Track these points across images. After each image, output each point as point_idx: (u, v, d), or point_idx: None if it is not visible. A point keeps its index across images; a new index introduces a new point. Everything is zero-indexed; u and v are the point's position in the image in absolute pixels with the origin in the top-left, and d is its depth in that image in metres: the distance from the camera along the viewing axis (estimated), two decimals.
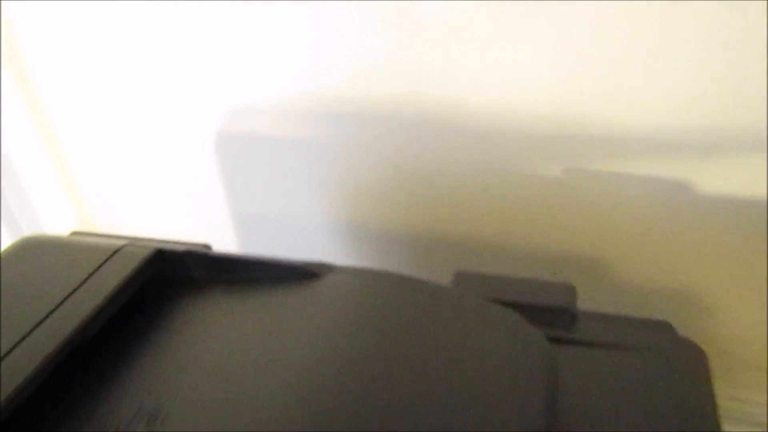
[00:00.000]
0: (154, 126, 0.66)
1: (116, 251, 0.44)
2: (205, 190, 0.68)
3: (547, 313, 0.43)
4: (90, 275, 0.42)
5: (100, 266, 0.43)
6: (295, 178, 0.64)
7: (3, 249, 0.46)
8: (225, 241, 0.72)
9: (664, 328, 0.44)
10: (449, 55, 0.52)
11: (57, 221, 0.76)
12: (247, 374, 0.37)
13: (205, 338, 0.40)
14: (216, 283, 0.44)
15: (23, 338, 0.37)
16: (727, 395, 0.45)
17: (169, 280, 0.45)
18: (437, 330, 0.38)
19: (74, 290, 0.41)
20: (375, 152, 0.60)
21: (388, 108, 0.56)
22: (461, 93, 0.54)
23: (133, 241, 0.47)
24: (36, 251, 0.46)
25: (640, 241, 0.57)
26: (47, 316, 0.39)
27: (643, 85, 0.49)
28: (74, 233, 0.53)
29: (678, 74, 0.48)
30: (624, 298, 0.60)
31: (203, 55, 0.60)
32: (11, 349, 0.36)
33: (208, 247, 0.50)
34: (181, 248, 0.45)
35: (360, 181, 0.62)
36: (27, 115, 0.70)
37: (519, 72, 0.51)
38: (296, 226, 0.67)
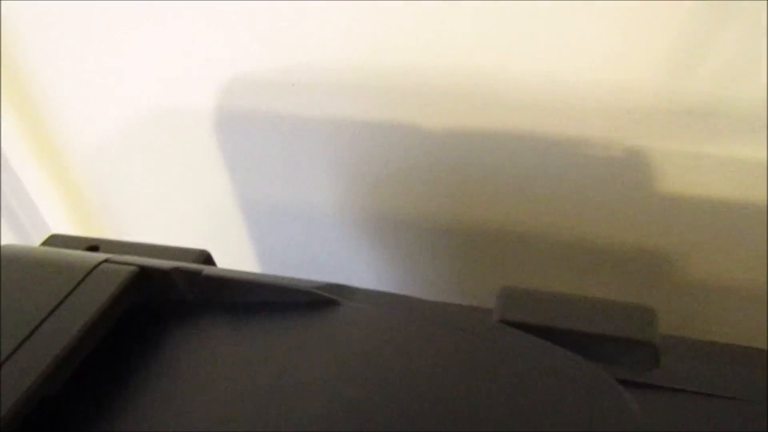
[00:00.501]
0: (153, 110, 0.58)
1: (92, 270, 0.37)
2: (208, 174, 0.60)
3: (621, 347, 0.34)
4: (60, 303, 0.35)
5: (73, 290, 0.36)
6: (307, 161, 0.55)
7: None
8: (232, 233, 0.64)
9: (758, 357, 0.35)
10: (485, 21, 0.42)
11: (53, 215, 0.69)
12: (244, 423, 0.30)
13: (197, 376, 0.33)
14: (212, 306, 0.37)
15: None
16: None
17: (157, 303, 0.37)
18: (474, 379, 0.30)
19: (40, 324, 0.34)
20: (398, 132, 0.50)
21: (412, 81, 0.47)
22: (499, 64, 0.44)
23: (115, 252, 0.39)
24: (4, 267, 0.39)
25: (710, 232, 0.48)
26: (12, 354, 0.32)
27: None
28: (53, 236, 0.46)
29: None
30: (690, 297, 0.51)
31: (203, 21, 0.50)
32: None
33: (207, 255, 0.42)
34: (168, 265, 0.37)
35: (380, 164, 0.53)
36: (20, 105, 0.62)
37: (568, 41, 0.41)
38: (309, 216, 0.59)
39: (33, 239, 0.73)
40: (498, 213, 0.53)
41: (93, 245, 0.44)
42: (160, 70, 0.55)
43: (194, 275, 0.37)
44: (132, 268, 0.37)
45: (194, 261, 0.41)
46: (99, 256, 0.38)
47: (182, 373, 0.34)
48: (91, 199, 0.69)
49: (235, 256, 0.67)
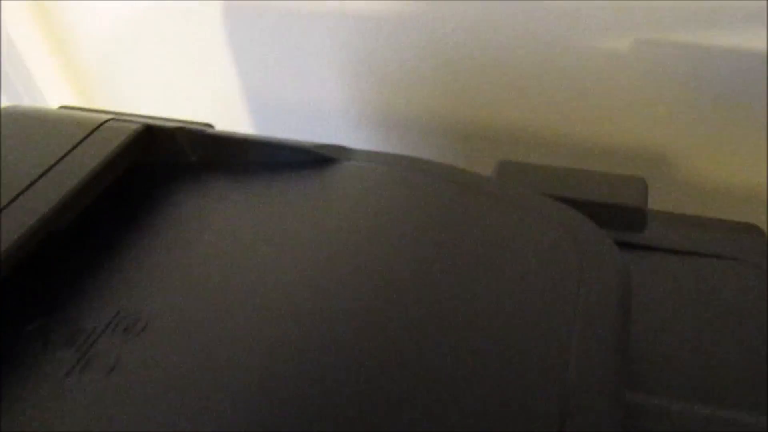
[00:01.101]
0: None
1: (99, 126, 0.37)
2: (215, 63, 0.60)
3: (613, 212, 0.35)
4: (66, 153, 0.36)
5: (78, 143, 0.36)
6: (315, 55, 0.55)
7: None
8: (237, 125, 0.64)
9: (752, 232, 0.37)
10: None
11: (56, 97, 0.69)
12: (246, 277, 0.31)
13: (200, 232, 0.34)
14: (215, 167, 0.38)
15: None
16: None
17: (160, 162, 0.38)
18: (478, 229, 0.31)
19: (47, 170, 0.34)
20: (408, 24, 0.50)
21: None
22: None
23: (121, 117, 0.40)
24: (7, 124, 0.39)
25: (718, 133, 0.48)
26: (14, 199, 0.33)
27: None
28: (63, 107, 0.46)
29: None
30: (697, 200, 0.51)
31: None
32: None
33: (209, 126, 0.43)
34: (173, 125, 0.37)
35: (391, 59, 0.53)
36: None
37: None
38: (317, 113, 0.59)
39: None
40: (503, 112, 0.54)
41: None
42: None
43: (198, 135, 0.37)
44: (137, 126, 0.37)
45: None
46: (105, 115, 0.38)
47: (182, 229, 0.34)
48: (95, 82, 0.69)
49: None
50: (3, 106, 0.42)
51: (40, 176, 0.34)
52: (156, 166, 0.38)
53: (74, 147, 0.36)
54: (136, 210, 0.35)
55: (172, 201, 0.36)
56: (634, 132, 0.50)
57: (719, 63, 0.45)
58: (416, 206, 0.33)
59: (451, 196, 0.33)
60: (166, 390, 0.26)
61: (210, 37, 0.58)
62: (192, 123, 0.42)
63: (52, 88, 0.68)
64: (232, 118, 0.63)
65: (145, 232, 0.34)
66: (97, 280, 0.31)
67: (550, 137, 0.53)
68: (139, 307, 0.29)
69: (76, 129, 0.37)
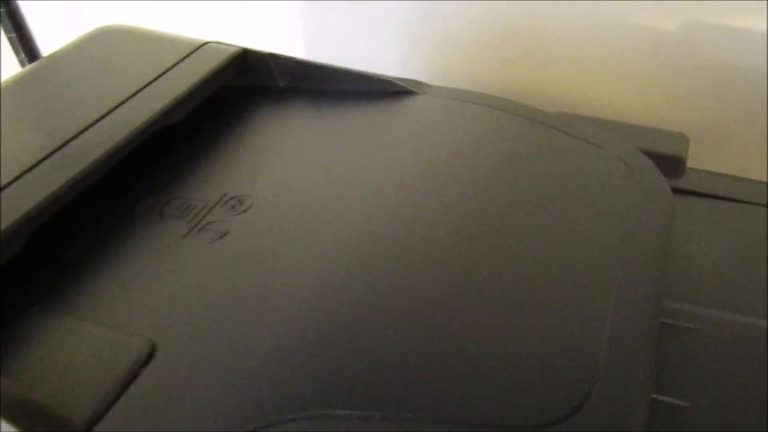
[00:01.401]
0: None
1: (200, 46, 0.42)
2: (283, 29, 0.64)
3: (658, 160, 0.39)
4: (173, 65, 0.40)
5: (183, 59, 0.41)
6: (380, 19, 0.60)
7: (82, 35, 0.44)
8: None
9: None
10: None
11: None
12: (332, 182, 0.35)
13: (290, 143, 0.38)
14: (302, 92, 0.42)
15: (106, 114, 0.35)
16: None
17: (253, 84, 0.42)
18: (550, 164, 0.35)
19: (157, 77, 0.39)
20: None
21: None
22: None
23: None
24: (113, 40, 0.44)
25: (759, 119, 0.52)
26: (131, 97, 0.37)
27: None
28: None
29: None
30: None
31: None
32: (93, 123, 0.35)
33: None
34: (266, 51, 0.42)
35: (449, 28, 0.57)
36: None
37: None
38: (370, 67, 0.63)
39: None
40: (553, 82, 0.57)
41: None
42: None
43: (289, 61, 0.41)
44: (235, 48, 0.42)
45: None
46: (205, 39, 0.43)
47: (272, 139, 0.39)
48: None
49: None
50: (106, 24, 0.46)
51: (152, 81, 0.38)
52: (248, 86, 0.42)
53: (181, 60, 0.40)
54: (232, 121, 0.40)
55: (262, 117, 0.40)
56: (677, 111, 0.54)
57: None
58: (487, 138, 0.37)
59: (521, 129, 0.37)
60: (270, 255, 0.30)
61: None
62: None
63: None
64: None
65: (240, 136, 0.38)
66: (202, 168, 0.35)
67: (591, 104, 0.57)
68: (242, 192, 0.33)
69: (181, 46, 0.42)
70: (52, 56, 0.42)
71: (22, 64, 0.70)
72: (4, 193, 0.30)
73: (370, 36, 0.62)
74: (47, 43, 0.70)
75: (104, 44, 0.43)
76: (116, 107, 0.36)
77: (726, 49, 0.49)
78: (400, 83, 0.40)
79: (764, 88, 0.50)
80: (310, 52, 0.66)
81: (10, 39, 0.68)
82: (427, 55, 0.60)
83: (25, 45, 0.69)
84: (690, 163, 0.41)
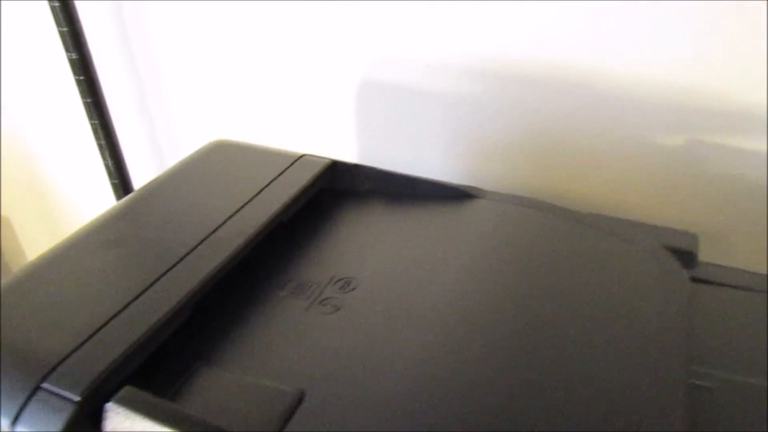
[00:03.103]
0: (303, 67, 0.74)
1: (297, 159, 0.52)
2: (338, 132, 0.75)
3: (674, 254, 0.48)
4: (277, 177, 0.50)
5: (284, 170, 0.50)
6: (426, 129, 0.70)
7: (196, 150, 0.54)
8: None
9: None
10: (589, 21, 0.58)
11: None
12: (415, 269, 0.43)
13: (376, 237, 0.47)
14: (380, 196, 0.51)
15: (233, 215, 0.45)
16: None
17: (340, 189, 0.52)
18: (590, 257, 0.44)
19: (265, 187, 0.48)
20: (506, 111, 0.65)
21: (526, 69, 0.62)
22: (594, 59, 0.59)
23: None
24: (226, 153, 0.54)
25: (757, 222, 0.61)
26: (246, 204, 0.46)
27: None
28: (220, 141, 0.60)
29: None
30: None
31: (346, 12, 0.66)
32: (223, 223, 0.44)
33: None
34: (353, 162, 0.51)
35: (488, 138, 0.68)
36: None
37: (656, 44, 0.56)
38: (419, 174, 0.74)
39: None
40: (575, 187, 0.67)
41: None
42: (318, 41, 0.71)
43: (370, 170, 0.51)
44: (326, 160, 0.51)
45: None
46: (298, 152, 0.53)
47: (358, 239, 0.47)
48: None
49: None
50: (216, 138, 0.57)
51: (264, 188, 0.48)
52: (338, 191, 0.52)
53: (281, 173, 0.50)
54: (326, 220, 0.49)
55: (350, 216, 0.49)
56: (685, 216, 0.64)
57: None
58: (537, 236, 0.46)
59: (565, 229, 0.46)
60: (378, 325, 0.38)
61: (343, 106, 0.73)
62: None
63: None
64: None
65: (335, 231, 0.47)
66: (311, 256, 0.44)
67: (612, 209, 0.66)
68: (348, 274, 0.42)
69: (281, 160, 0.51)
70: (172, 170, 0.52)
71: (71, 60, 0.75)
72: (165, 279, 0.38)
73: (420, 142, 0.72)
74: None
75: (217, 158, 0.53)
76: (240, 210, 0.45)
77: (727, 164, 0.59)
78: (462, 188, 0.49)
79: (763, 197, 0.60)
80: (369, 155, 0.76)
81: (61, 33, 0.74)
82: (465, 161, 0.71)
83: (75, 41, 0.74)
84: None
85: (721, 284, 0.47)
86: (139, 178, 0.92)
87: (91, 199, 1.04)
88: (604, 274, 0.42)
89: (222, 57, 0.78)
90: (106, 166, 0.82)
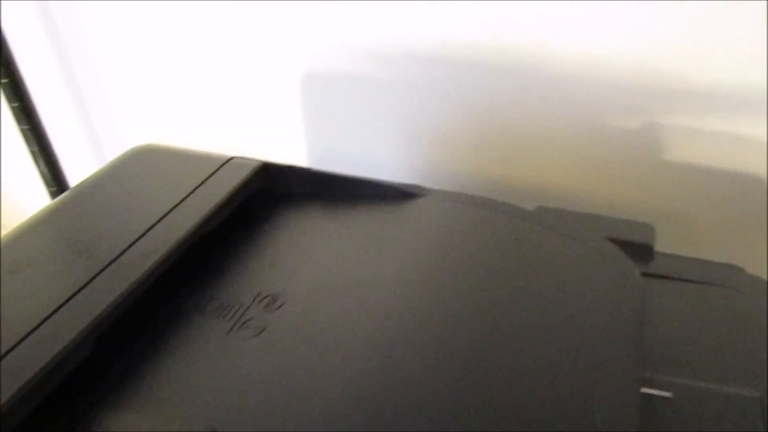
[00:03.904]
0: (242, 62, 0.69)
1: (225, 162, 0.48)
2: (287, 126, 0.71)
3: (628, 248, 0.45)
4: (202, 183, 0.46)
5: (212, 174, 0.46)
6: (376, 120, 0.67)
7: (118, 156, 0.50)
8: None
9: (735, 269, 0.46)
10: (536, 1, 0.54)
11: None
12: (349, 279, 0.40)
13: (309, 244, 0.43)
14: (316, 199, 0.48)
15: (150, 229, 0.41)
16: None
17: (273, 193, 0.48)
18: (535, 257, 0.41)
19: (189, 195, 0.44)
20: (458, 98, 0.62)
21: (476, 53, 0.59)
22: (544, 40, 0.56)
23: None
24: (148, 160, 0.50)
25: (717, 207, 0.59)
26: (166, 215, 0.42)
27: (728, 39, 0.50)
28: (149, 146, 0.56)
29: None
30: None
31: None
32: (139, 238, 0.40)
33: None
34: (285, 163, 0.48)
35: (441, 126, 0.64)
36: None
37: (606, 22, 0.53)
38: (373, 168, 0.70)
39: None
40: (531, 174, 0.64)
41: None
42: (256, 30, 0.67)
43: (304, 171, 0.47)
44: (256, 162, 0.48)
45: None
46: (228, 155, 0.49)
47: (290, 248, 0.44)
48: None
49: None
50: (140, 143, 0.53)
51: (188, 196, 0.44)
52: (268, 195, 0.48)
53: (208, 177, 0.46)
54: (257, 228, 0.45)
55: (283, 222, 0.46)
56: (640, 199, 0.61)
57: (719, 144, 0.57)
58: (480, 235, 0.43)
59: (508, 227, 0.43)
60: (305, 346, 0.35)
61: (288, 100, 0.70)
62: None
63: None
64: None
65: (265, 240, 0.44)
66: (236, 271, 0.40)
67: (573, 198, 0.63)
68: (274, 290, 0.38)
69: (208, 163, 0.47)
70: (93, 177, 0.48)
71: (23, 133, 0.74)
72: (68, 307, 0.35)
73: (369, 134, 0.69)
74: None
75: (140, 164, 0.49)
76: (158, 222, 0.41)
77: (687, 148, 0.57)
78: (403, 188, 0.46)
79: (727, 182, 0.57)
80: (316, 148, 0.73)
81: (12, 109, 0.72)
82: (419, 151, 0.67)
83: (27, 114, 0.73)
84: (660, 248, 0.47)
85: (679, 279, 0.44)
86: None
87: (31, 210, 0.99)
88: (547, 275, 0.39)
89: (158, 56, 0.73)
90: (42, 173, 0.78)
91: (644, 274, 0.44)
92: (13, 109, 0.72)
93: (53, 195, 0.80)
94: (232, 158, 0.48)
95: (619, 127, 0.58)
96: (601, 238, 0.41)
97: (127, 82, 0.77)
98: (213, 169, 0.47)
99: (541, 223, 0.42)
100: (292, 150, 0.73)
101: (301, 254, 0.42)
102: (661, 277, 0.44)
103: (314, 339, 0.35)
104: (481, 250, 0.41)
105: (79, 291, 0.36)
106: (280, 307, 0.37)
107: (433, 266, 0.40)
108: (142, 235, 0.40)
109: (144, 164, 0.49)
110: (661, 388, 0.36)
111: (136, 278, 0.36)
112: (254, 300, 0.38)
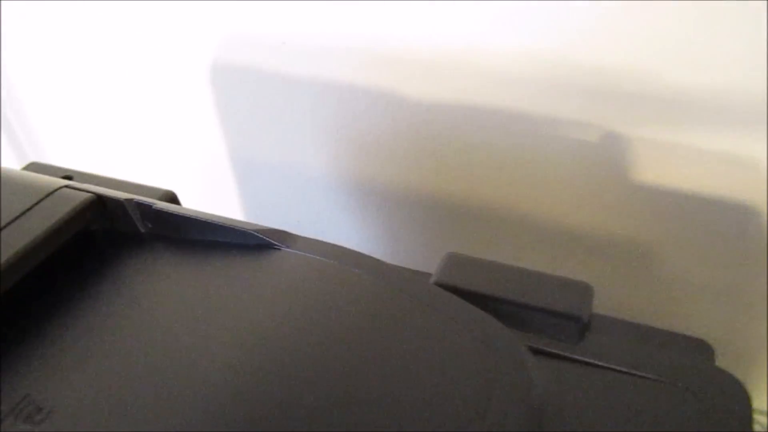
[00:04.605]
0: (145, 56, 0.59)
1: (51, 193, 0.38)
2: (199, 126, 0.61)
3: (551, 318, 0.34)
4: (17, 217, 0.36)
5: (30, 207, 0.37)
6: (295, 121, 0.56)
7: None
8: (220, 186, 0.65)
9: (701, 350, 0.35)
10: None
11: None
12: (169, 363, 0.31)
13: (131, 309, 0.34)
14: (162, 240, 0.38)
15: None
16: None
17: (112, 231, 0.39)
18: (395, 326, 0.31)
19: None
20: (384, 99, 0.51)
21: (400, 49, 0.47)
22: (479, 35, 0.44)
23: (80, 181, 0.40)
24: None
25: (685, 230, 0.47)
26: None
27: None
28: (33, 164, 0.47)
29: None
30: (656, 297, 0.50)
31: None
32: None
33: (172, 195, 0.43)
34: (123, 196, 0.38)
35: (366, 132, 0.53)
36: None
37: (553, 13, 0.41)
38: (297, 176, 0.60)
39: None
40: (476, 189, 0.53)
41: (68, 175, 0.46)
42: (155, 19, 0.56)
43: (146, 208, 0.38)
44: (88, 195, 0.38)
45: (159, 198, 0.42)
46: (61, 181, 0.39)
47: (115, 304, 0.35)
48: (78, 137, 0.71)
49: (222, 208, 0.68)
50: None
51: None
52: (107, 233, 0.38)
53: (25, 211, 0.37)
54: (76, 279, 0.36)
55: (112, 272, 0.36)
56: (592, 218, 0.49)
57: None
58: (343, 304, 0.32)
59: (377, 293, 0.32)
60: None
61: (197, 101, 0.59)
62: (154, 190, 0.43)
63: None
64: (216, 176, 0.64)
65: (77, 304, 0.34)
66: (16, 355, 0.31)
67: (518, 216, 0.52)
68: (49, 393, 0.29)
69: (30, 193, 0.38)
70: None
71: None
72: None
73: (295, 139, 0.58)
74: None
75: None
76: None
77: (651, 163, 0.45)
78: (263, 236, 0.36)
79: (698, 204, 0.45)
80: (237, 155, 0.63)
81: None
82: (348, 158, 0.57)
83: None
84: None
85: (617, 368, 0.33)
86: None
87: None
88: (415, 355, 0.29)
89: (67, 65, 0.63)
90: None
91: (566, 358, 0.34)
92: None
93: None
94: (61, 187, 0.39)
95: (572, 137, 0.46)
96: (478, 311, 0.31)
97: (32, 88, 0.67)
98: (33, 202, 0.37)
99: (407, 290, 0.32)
100: (210, 154, 0.63)
101: (112, 324, 0.33)
102: (588, 363, 0.33)
103: None
104: (337, 312, 0.32)
105: None
106: (42, 420, 0.28)
107: (281, 330, 0.31)
108: None
109: None
110: None
111: None
112: (18, 405, 0.29)
